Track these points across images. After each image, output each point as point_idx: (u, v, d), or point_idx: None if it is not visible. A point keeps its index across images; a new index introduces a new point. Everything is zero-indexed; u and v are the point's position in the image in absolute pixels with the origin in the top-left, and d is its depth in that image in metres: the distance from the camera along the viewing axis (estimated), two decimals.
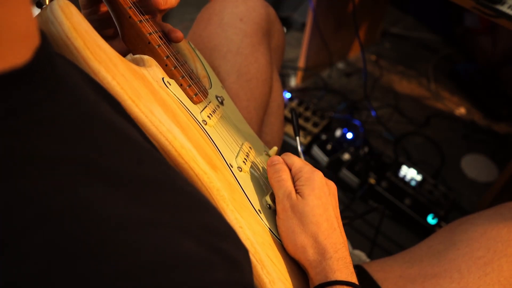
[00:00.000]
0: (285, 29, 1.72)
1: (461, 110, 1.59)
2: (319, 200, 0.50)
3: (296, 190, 0.51)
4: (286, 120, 1.27)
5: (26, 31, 0.27)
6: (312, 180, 0.51)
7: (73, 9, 0.42)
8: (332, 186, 0.53)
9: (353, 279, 0.48)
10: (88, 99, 0.34)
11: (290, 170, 0.53)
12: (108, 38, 0.57)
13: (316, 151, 1.31)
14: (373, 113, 1.51)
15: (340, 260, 0.48)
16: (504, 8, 0.84)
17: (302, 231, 0.49)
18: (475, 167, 1.39)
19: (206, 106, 0.55)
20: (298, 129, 0.68)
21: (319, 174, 0.52)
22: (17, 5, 0.25)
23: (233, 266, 0.32)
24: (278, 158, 0.54)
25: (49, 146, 0.27)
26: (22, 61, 0.26)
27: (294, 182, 0.52)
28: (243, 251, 0.37)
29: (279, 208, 0.51)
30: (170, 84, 0.50)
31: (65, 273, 0.23)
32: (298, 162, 0.53)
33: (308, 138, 1.33)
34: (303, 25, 1.67)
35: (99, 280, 0.23)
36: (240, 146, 0.57)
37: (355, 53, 1.75)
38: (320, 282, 0.47)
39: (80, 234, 0.24)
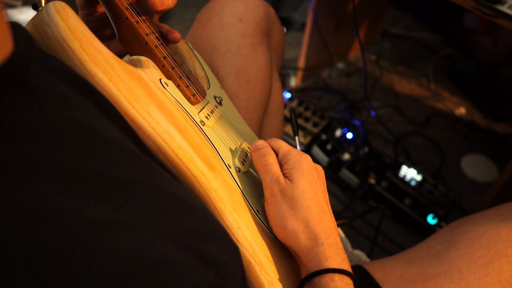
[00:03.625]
0: (285, 29, 1.72)
1: (461, 110, 1.59)
2: (309, 183, 0.48)
3: (284, 174, 0.49)
4: (286, 120, 1.27)
5: None
6: (301, 163, 0.49)
7: (69, 11, 0.41)
8: (320, 169, 0.52)
9: (345, 265, 0.47)
10: (66, 104, 0.33)
11: (276, 154, 0.52)
12: (105, 39, 0.57)
13: (316, 151, 1.31)
14: (373, 113, 1.50)
15: (332, 246, 0.47)
16: (504, 8, 0.84)
17: (293, 216, 0.47)
18: (475, 167, 1.39)
19: (204, 107, 0.55)
20: (297, 129, 0.68)
21: (307, 157, 0.50)
22: None
23: (213, 268, 0.31)
24: (263, 142, 0.52)
25: (12, 152, 0.26)
26: None
27: (281, 166, 0.50)
28: (232, 252, 0.36)
29: (267, 193, 0.49)
30: (167, 85, 0.50)
31: (24, 281, 0.22)
32: (285, 145, 0.52)
33: (308, 138, 1.33)
34: (303, 25, 1.67)
35: (63, 286, 0.23)
36: (238, 147, 0.57)
37: (355, 53, 1.75)
38: (313, 270, 0.46)
39: (40, 241, 0.23)
